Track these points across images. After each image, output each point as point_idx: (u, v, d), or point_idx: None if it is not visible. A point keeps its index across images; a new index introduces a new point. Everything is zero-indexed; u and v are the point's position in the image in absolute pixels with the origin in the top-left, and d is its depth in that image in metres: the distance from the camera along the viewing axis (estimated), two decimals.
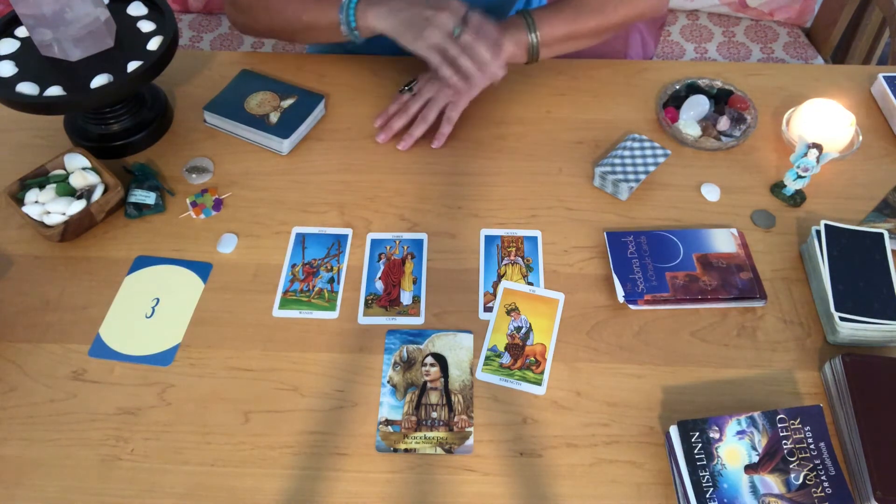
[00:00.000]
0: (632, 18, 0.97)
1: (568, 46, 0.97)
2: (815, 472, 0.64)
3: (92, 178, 0.87)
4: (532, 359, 0.76)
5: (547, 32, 0.92)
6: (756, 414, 0.67)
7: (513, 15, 0.94)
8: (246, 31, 1.06)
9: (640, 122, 1.00)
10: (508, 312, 0.80)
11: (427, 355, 0.77)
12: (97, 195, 0.86)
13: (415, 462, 0.70)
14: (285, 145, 0.95)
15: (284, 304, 0.81)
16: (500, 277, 0.83)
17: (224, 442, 0.71)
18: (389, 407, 0.73)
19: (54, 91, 0.85)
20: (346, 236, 0.87)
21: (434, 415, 0.72)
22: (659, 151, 0.91)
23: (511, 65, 1.06)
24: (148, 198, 0.88)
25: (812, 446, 0.66)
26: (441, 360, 0.76)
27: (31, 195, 0.86)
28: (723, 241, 0.84)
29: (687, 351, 0.77)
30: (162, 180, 0.93)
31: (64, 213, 0.84)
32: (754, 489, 0.63)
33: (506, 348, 0.77)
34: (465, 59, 0.85)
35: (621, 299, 0.79)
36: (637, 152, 0.91)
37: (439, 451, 0.70)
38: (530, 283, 0.82)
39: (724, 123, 0.96)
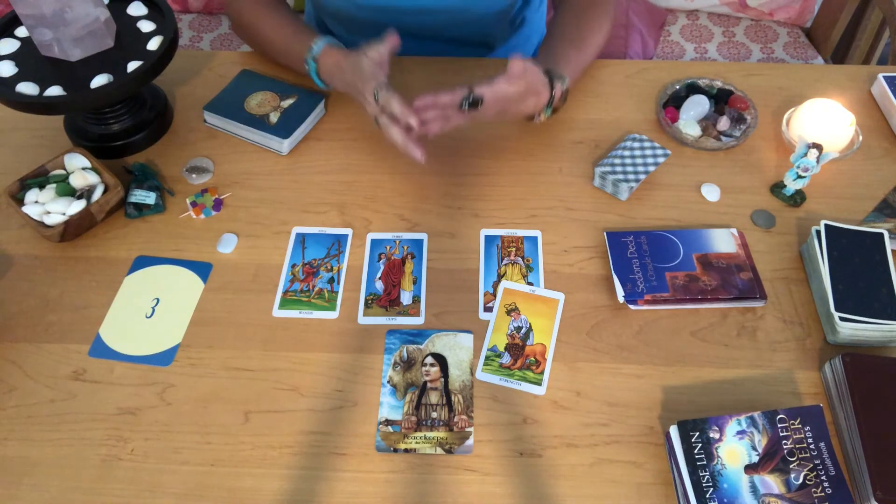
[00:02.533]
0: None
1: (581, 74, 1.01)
2: (815, 472, 0.64)
3: (92, 178, 0.87)
4: (532, 359, 0.76)
5: (570, 73, 0.93)
6: (756, 414, 0.67)
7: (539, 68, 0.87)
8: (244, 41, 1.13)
9: (640, 122, 0.99)
10: (508, 312, 0.80)
11: (427, 355, 0.77)
12: (97, 195, 0.86)
13: (415, 462, 0.70)
14: (285, 145, 0.95)
15: (284, 304, 0.81)
16: (500, 277, 0.83)
17: (224, 442, 0.71)
18: (389, 407, 0.73)
19: (54, 91, 0.85)
20: (346, 236, 0.87)
21: (434, 415, 0.72)
22: (659, 151, 0.91)
23: None
24: (148, 198, 0.88)
25: (812, 446, 0.66)
26: (441, 360, 0.76)
27: (31, 195, 0.86)
28: (723, 241, 0.84)
29: (687, 351, 0.77)
30: (162, 180, 0.93)
31: (64, 213, 0.84)
32: (754, 489, 0.63)
33: (506, 348, 0.77)
34: (395, 129, 0.82)
35: (621, 299, 0.79)
36: (637, 152, 0.91)
37: (439, 451, 0.70)
38: (530, 283, 0.82)
39: (724, 123, 0.96)
